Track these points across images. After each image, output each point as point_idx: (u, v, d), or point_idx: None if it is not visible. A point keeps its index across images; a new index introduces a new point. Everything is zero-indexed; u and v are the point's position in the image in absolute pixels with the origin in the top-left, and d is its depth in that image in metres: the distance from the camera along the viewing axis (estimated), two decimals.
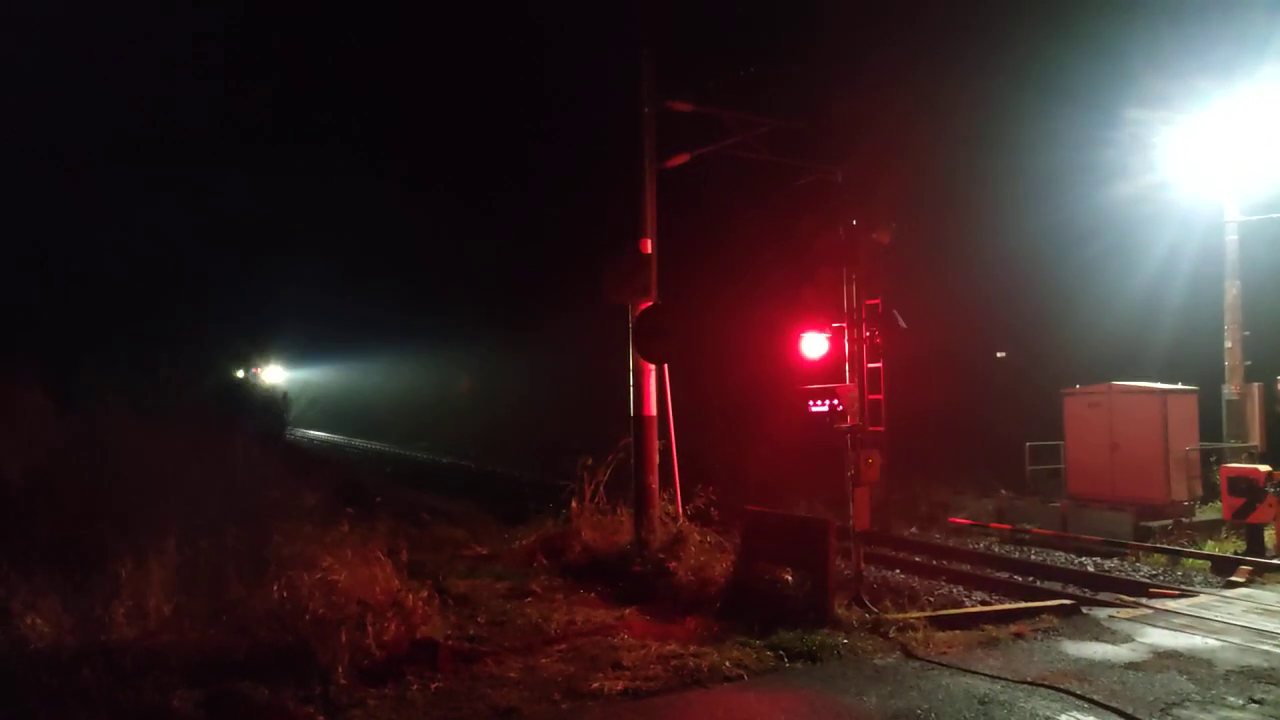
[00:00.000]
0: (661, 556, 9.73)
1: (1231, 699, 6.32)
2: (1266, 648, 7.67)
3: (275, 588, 7.12)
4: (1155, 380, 16.79)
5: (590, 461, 11.95)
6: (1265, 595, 9.94)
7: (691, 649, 7.14)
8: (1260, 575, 11.02)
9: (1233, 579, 10.98)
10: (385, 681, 6.32)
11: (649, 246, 10.82)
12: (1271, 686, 6.59)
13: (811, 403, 11.20)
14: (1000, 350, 33.76)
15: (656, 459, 10.85)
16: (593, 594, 9.25)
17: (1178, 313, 21.25)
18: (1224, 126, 15.40)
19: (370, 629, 6.58)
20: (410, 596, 7.27)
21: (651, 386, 10.80)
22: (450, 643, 7.18)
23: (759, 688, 6.50)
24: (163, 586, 7.00)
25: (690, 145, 12.33)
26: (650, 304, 10.52)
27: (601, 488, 11.83)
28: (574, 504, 11.39)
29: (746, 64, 12.39)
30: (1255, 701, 6.27)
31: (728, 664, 6.79)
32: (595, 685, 6.33)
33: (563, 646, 7.33)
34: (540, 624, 8.01)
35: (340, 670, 6.23)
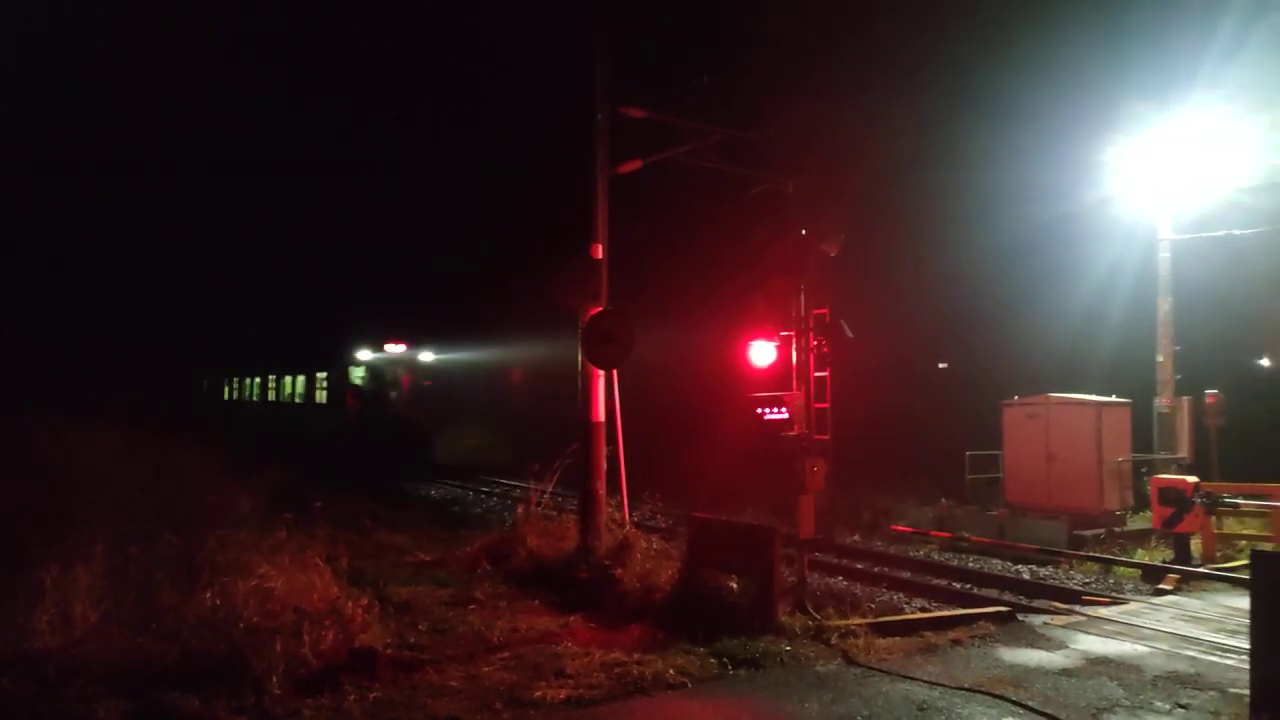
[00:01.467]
0: (607, 563, 9.70)
1: (1159, 704, 6.51)
2: (1192, 654, 7.91)
3: (209, 595, 6.94)
4: (1093, 392, 17.26)
5: (538, 467, 11.89)
6: (1192, 603, 10.26)
7: (636, 656, 7.12)
8: (1187, 583, 11.38)
9: (1161, 587, 11.31)
10: (322, 691, 6.18)
11: (600, 252, 10.80)
12: (1197, 692, 6.80)
13: (759, 410, 11.29)
14: (943, 361, 34.50)
15: (604, 465, 10.83)
16: (537, 601, 9.18)
17: (1118, 327, 21.94)
18: (1159, 149, 15.98)
19: (306, 637, 6.43)
20: (349, 604, 7.12)
21: (600, 392, 10.78)
22: (390, 651, 7.06)
23: (702, 695, 6.50)
24: (90, 593, 6.77)
25: (644, 152, 12.36)
26: (600, 309, 10.50)
27: (548, 494, 11.77)
28: (520, 510, 11.31)
29: (701, 74, 12.45)
30: (1181, 707, 6.46)
31: (671, 671, 6.79)
32: (538, 694, 6.27)
33: (505, 654, 7.26)
34: (483, 631, 7.92)
35: (275, 680, 6.07)
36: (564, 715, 6.04)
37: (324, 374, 30.39)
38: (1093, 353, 23.80)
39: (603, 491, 10.65)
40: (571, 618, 8.54)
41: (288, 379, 34.29)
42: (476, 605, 9.01)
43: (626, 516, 10.71)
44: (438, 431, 26.28)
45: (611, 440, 10.96)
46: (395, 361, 27.68)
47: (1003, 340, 27.98)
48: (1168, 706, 6.46)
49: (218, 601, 6.79)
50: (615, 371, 10.82)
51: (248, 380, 39.72)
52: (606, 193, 10.94)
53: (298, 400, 32.88)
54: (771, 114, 13.69)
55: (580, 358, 10.59)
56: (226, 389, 42.79)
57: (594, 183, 10.72)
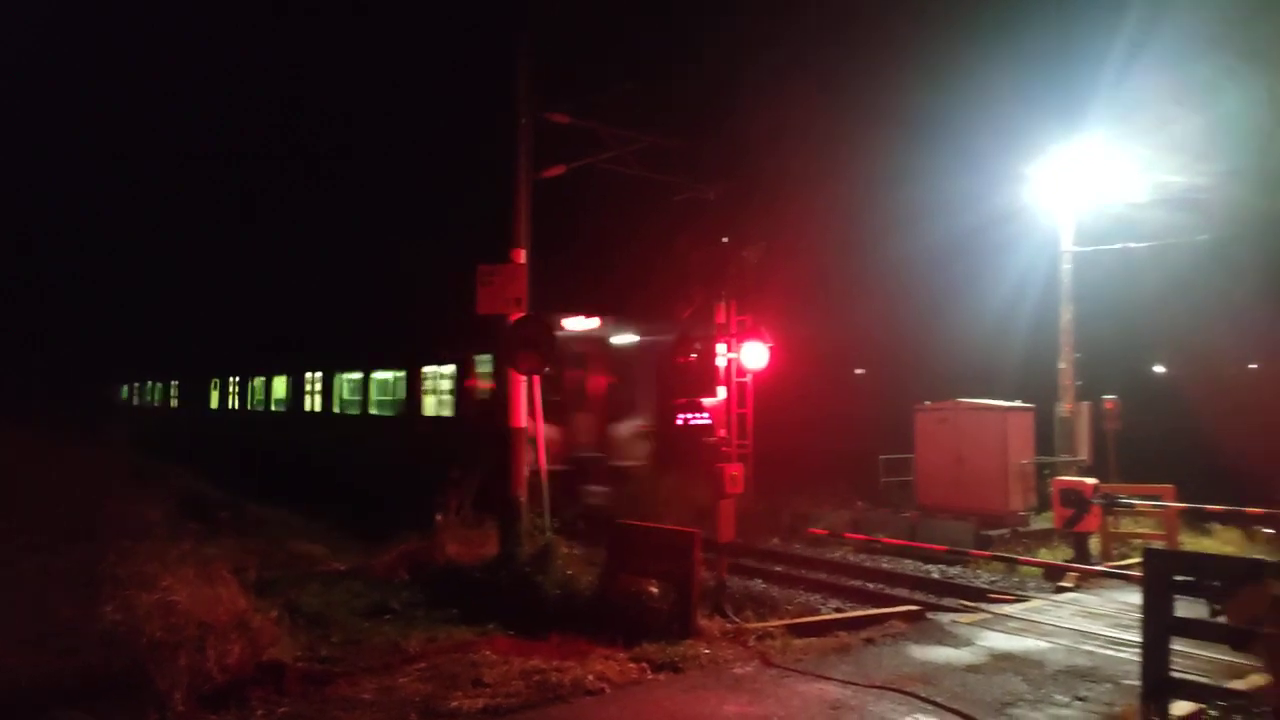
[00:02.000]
0: (528, 570, 9.63)
1: (1059, 697, 6.79)
2: (1090, 648, 8.27)
3: (109, 609, 6.66)
4: (1005, 397, 17.90)
5: (459, 473, 11.74)
6: (1090, 599, 10.73)
7: (555, 663, 7.09)
8: (1086, 580, 11.88)
9: (1062, 584, 11.79)
10: (227, 706, 5.98)
11: (523, 257, 10.75)
12: (1094, 684, 7.11)
13: (681, 415, 11.38)
14: (861, 367, 35.36)
15: (525, 471, 10.77)
16: (456, 610, 9.04)
17: (1027, 334, 22.85)
18: (1062, 165, 16.78)
19: (211, 652, 6.22)
20: (257, 617, 6.92)
21: (522, 398, 10.72)
22: (300, 664, 6.87)
23: (621, 701, 6.51)
24: None
25: (569, 158, 12.37)
26: (522, 315, 10.44)
27: (469, 501, 11.62)
28: (439, 517, 11.14)
29: (625, 81, 12.53)
30: (1079, 699, 6.75)
31: (590, 678, 6.77)
32: (454, 704, 6.19)
33: (422, 665, 7.14)
34: (399, 642, 7.77)
35: (178, 696, 5.86)
36: None
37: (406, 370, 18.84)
38: (1005, 359, 24.74)
39: (524, 498, 10.59)
40: (491, 626, 8.45)
41: (279, 380, 25.27)
42: (393, 615, 8.84)
43: (548, 522, 10.66)
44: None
45: (534, 445, 10.91)
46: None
47: (919, 347, 28.88)
48: (1067, 699, 6.74)
49: (119, 616, 6.52)
50: (537, 378, 10.78)
51: (199, 383, 32.17)
52: (530, 198, 10.90)
53: (315, 409, 23.01)
54: (695, 123, 13.86)
55: (502, 364, 10.52)
56: (161, 393, 38.55)
57: (516, 187, 10.67)
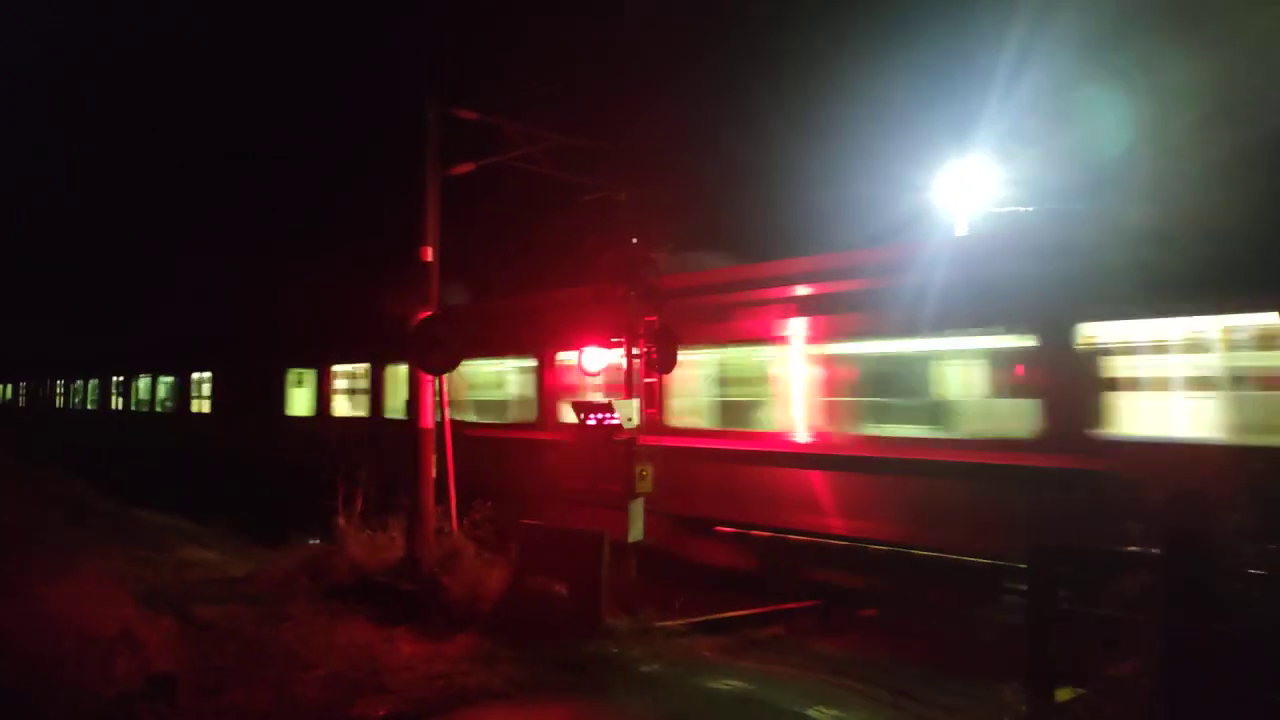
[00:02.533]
0: (435, 573, 9.47)
1: (952, 684, 7.05)
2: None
3: None
4: None
5: (364, 474, 11.46)
6: None
7: (461, 667, 7.01)
8: None
9: None
10: None
11: (431, 255, 10.56)
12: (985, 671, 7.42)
13: (589, 416, 11.37)
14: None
15: (432, 472, 10.58)
16: (359, 615, 8.81)
17: None
18: (957, 174, 17.68)
19: (96, 665, 5.91)
20: (146, 627, 6.61)
21: (430, 398, 10.53)
22: (193, 675, 6.60)
23: (528, 702, 6.48)
24: None
25: (479, 155, 12.21)
26: (429, 314, 10.27)
27: (373, 503, 11.36)
28: (341, 521, 10.85)
29: (533, 80, 12.46)
30: (971, 685, 7.03)
31: (498, 680, 6.72)
32: (357, 711, 6.05)
33: (322, 672, 6.94)
34: (298, 649, 7.53)
35: (58, 713, 5.54)
36: None
37: None
38: None
39: (430, 500, 10.41)
40: (396, 630, 8.27)
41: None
42: (292, 622, 8.55)
43: (455, 525, 10.50)
44: None
45: (441, 447, 10.74)
46: None
47: None
48: (959, 685, 7.01)
49: None
50: (444, 377, 10.61)
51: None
52: (438, 195, 10.72)
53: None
54: (605, 125, 13.89)
55: (409, 363, 10.32)
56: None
57: (424, 184, 10.48)
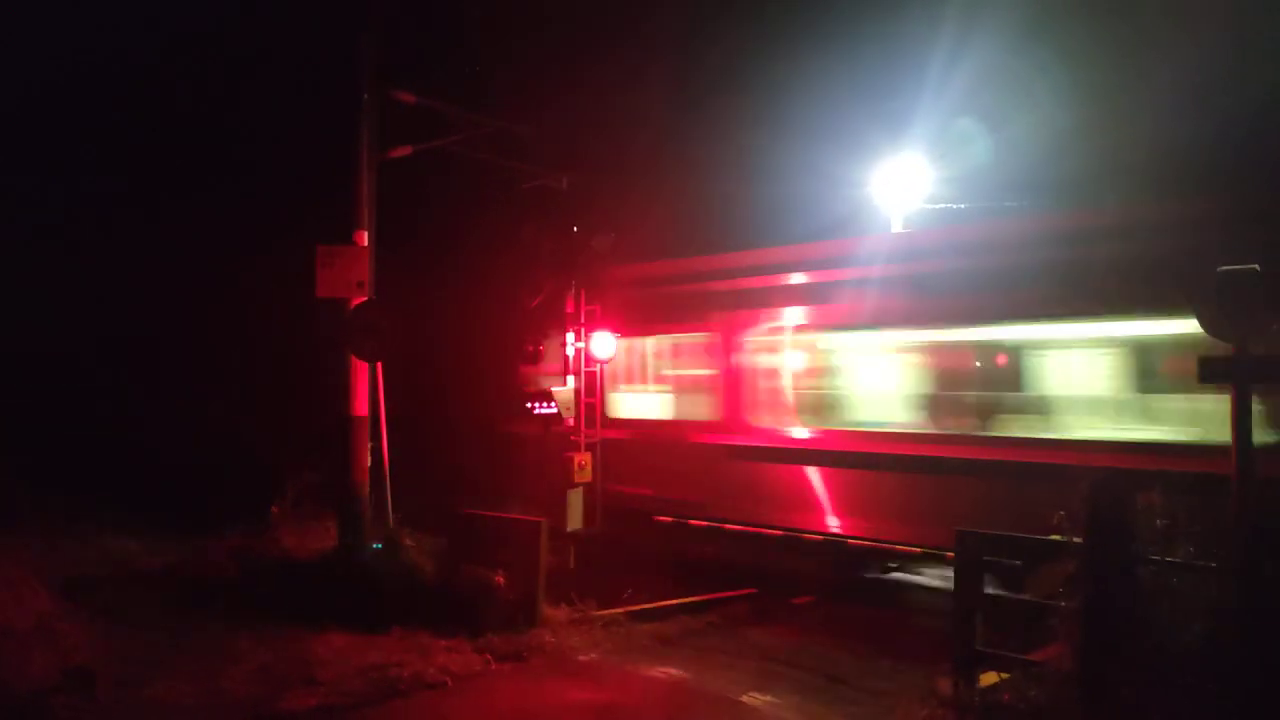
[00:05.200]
0: (369, 562, 9.33)
1: (883, 669, 7.20)
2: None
3: None
4: None
5: (294, 462, 11.22)
6: (916, 577, 11.45)
7: (395, 658, 6.92)
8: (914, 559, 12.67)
9: (889, 563, 12.52)
10: (27, 718, 5.49)
11: (365, 239, 10.35)
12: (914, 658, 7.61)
13: (529, 405, 11.33)
14: None
15: (367, 461, 10.39)
16: (289, 606, 8.59)
17: None
18: (892, 171, 18.12)
19: (10, 659, 5.68)
20: (64, 619, 6.38)
21: (364, 386, 10.34)
22: (113, 669, 6.39)
23: (464, 693, 6.43)
24: None
25: (418, 139, 11.99)
26: (365, 300, 10.07)
27: (307, 492, 11.13)
28: (275, 509, 10.61)
29: (474, 64, 12.29)
30: (900, 671, 7.19)
31: (432, 671, 6.66)
32: (285, 704, 5.93)
33: (250, 665, 6.79)
34: (225, 642, 7.34)
35: None
36: None
37: None
38: None
39: (365, 488, 10.23)
40: (327, 622, 8.08)
41: None
42: (219, 614, 8.34)
43: (390, 514, 10.35)
44: None
45: (377, 435, 10.56)
46: None
47: None
48: (889, 671, 7.18)
49: None
50: (380, 364, 10.43)
51: None
52: (374, 178, 10.50)
53: None
54: (547, 110, 13.77)
55: (343, 350, 10.11)
56: None
57: (359, 167, 10.24)
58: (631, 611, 8.85)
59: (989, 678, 5.97)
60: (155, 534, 12.82)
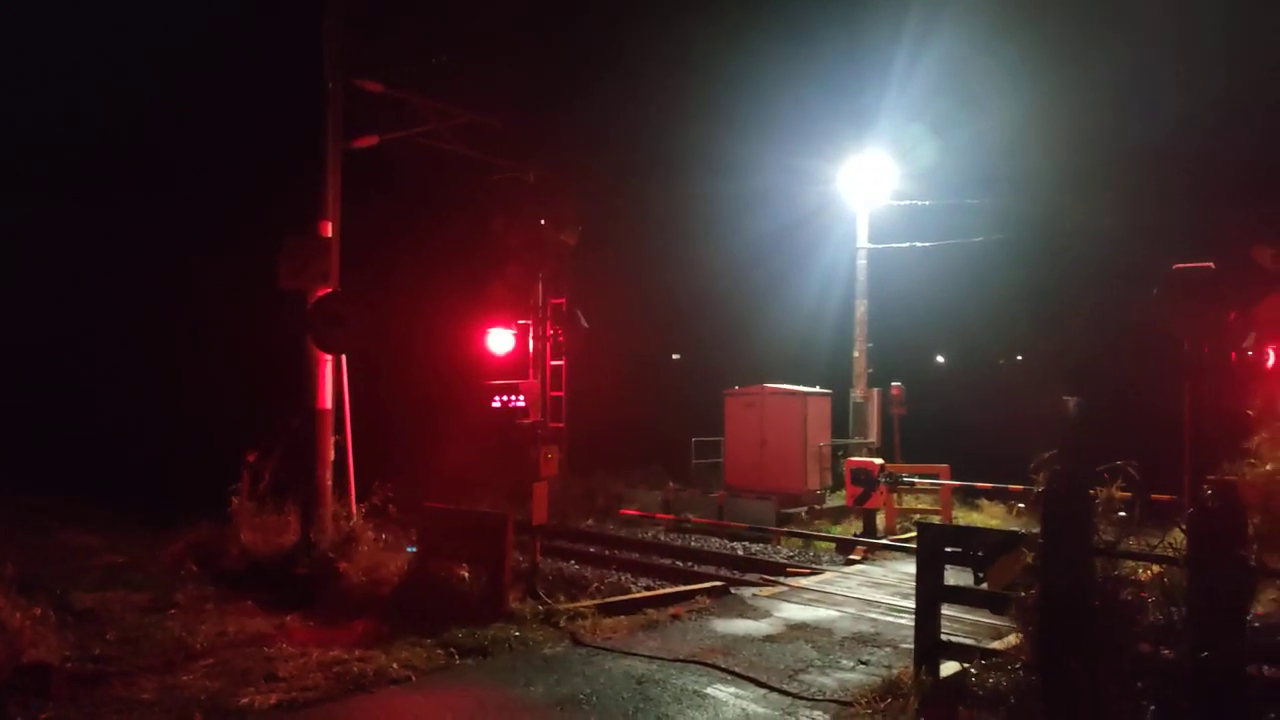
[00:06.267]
0: (331, 557, 9.24)
1: (845, 662, 7.30)
2: (874, 616, 8.96)
3: None
4: (814, 384, 18.97)
5: (255, 456, 11.07)
6: (876, 570, 11.61)
7: (357, 653, 6.86)
8: (873, 553, 12.85)
9: (852, 557, 12.69)
10: None
11: (330, 230, 10.23)
12: (875, 649, 7.71)
13: (495, 398, 11.27)
14: (677, 353, 36.37)
15: (330, 454, 10.30)
16: (250, 601, 8.53)
17: (835, 324, 24.38)
18: (858, 169, 18.19)
19: None
20: (17, 615, 6.24)
21: (328, 378, 10.23)
22: (69, 665, 6.28)
23: (427, 688, 6.39)
24: None
25: (384, 129, 11.86)
26: (329, 291, 9.95)
27: (267, 486, 11.00)
28: (234, 503, 10.47)
29: (441, 54, 12.15)
30: (863, 663, 7.29)
31: (395, 666, 6.61)
32: (245, 701, 5.85)
33: (209, 661, 6.70)
34: (184, 638, 7.24)
35: None
36: None
37: None
38: (815, 347, 26.29)
39: (328, 482, 10.14)
40: (289, 617, 8.05)
41: None
42: (178, 609, 8.22)
43: (354, 508, 10.26)
44: None
45: (341, 428, 10.46)
46: None
47: (738, 335, 30.09)
48: (851, 664, 7.26)
49: None
50: (344, 357, 10.33)
51: None
52: (339, 168, 10.38)
53: None
54: (516, 105, 13.68)
55: (307, 342, 9.99)
56: None
57: (324, 156, 10.13)
58: (597, 605, 8.87)
59: (952, 667, 6.06)
60: (116, 528, 12.63)
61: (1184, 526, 4.55)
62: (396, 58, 11.56)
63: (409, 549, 9.33)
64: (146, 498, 13.83)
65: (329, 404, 10.22)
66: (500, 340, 12.12)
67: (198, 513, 10.92)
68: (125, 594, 8.75)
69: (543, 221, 11.62)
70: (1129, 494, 5.25)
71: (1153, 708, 4.47)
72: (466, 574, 8.38)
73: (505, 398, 11.23)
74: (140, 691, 6.03)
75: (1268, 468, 7.56)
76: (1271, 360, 9.68)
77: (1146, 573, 4.96)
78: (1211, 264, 6.26)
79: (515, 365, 12.45)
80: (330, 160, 10.23)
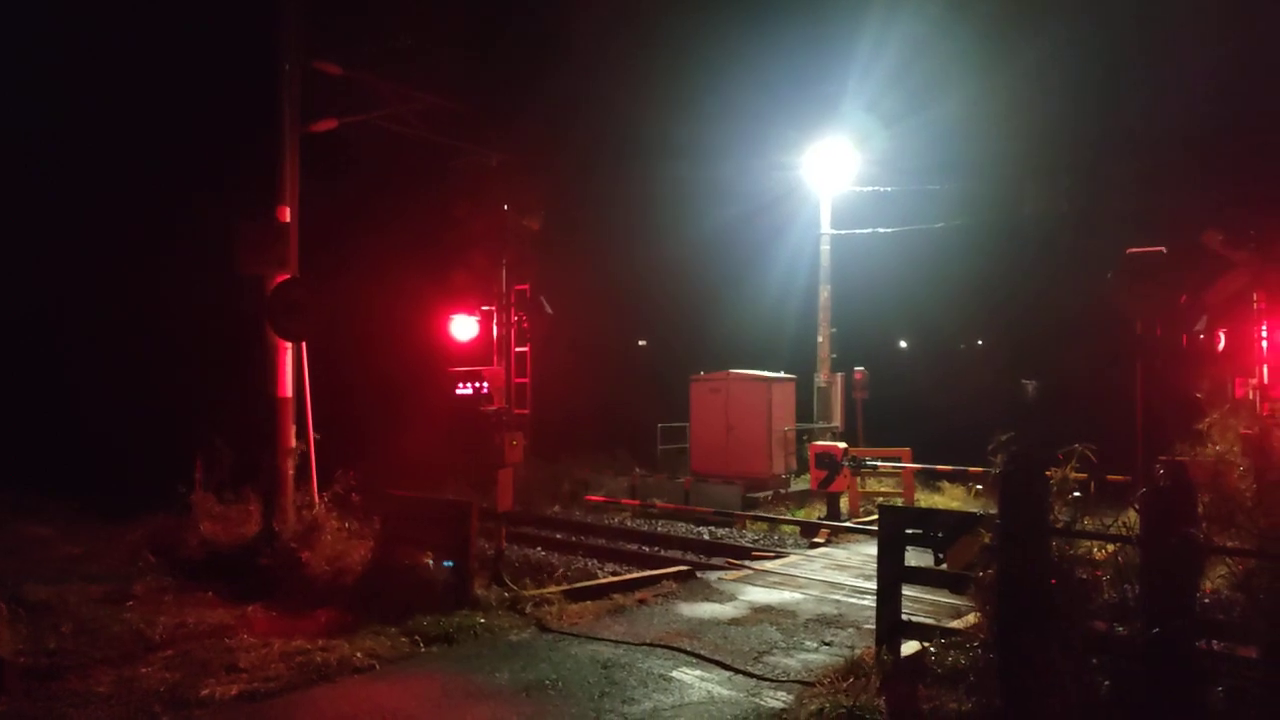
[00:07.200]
0: (294, 547, 9.13)
1: (809, 643, 7.38)
2: (837, 598, 9.06)
3: None
4: (779, 369, 19.07)
5: (216, 444, 10.90)
6: (839, 553, 11.75)
7: (320, 643, 6.80)
8: (837, 536, 13.00)
9: (816, 540, 12.83)
10: None
11: (287, 215, 10.06)
12: (839, 630, 7.80)
13: (459, 385, 11.19)
14: (643, 339, 36.39)
15: (291, 443, 10.16)
16: (210, 592, 8.41)
17: (799, 310, 24.55)
18: (820, 155, 18.30)
19: None
20: None
21: (287, 366, 10.08)
22: (22, 659, 6.15)
23: (391, 676, 6.36)
24: None
25: (344, 112, 11.66)
26: (287, 277, 9.79)
27: (229, 474, 10.84)
28: (192, 494, 10.30)
29: (402, 36, 11.97)
30: (826, 644, 7.38)
31: (359, 655, 6.56)
32: (205, 692, 5.77)
33: (169, 652, 6.60)
34: (142, 630, 7.12)
35: None
36: (235, 712, 5.62)
37: None
38: (781, 332, 26.45)
39: (289, 471, 10.01)
40: (250, 608, 7.95)
41: None
42: (136, 601, 8.08)
43: (316, 497, 10.14)
44: None
45: (302, 417, 10.32)
46: None
47: (704, 320, 30.17)
48: (815, 645, 7.35)
49: None
50: (305, 344, 10.18)
51: None
52: (296, 152, 10.19)
53: None
54: (479, 89, 13.53)
55: (265, 329, 9.83)
56: None
57: (280, 140, 9.93)
58: (563, 591, 8.88)
59: (913, 647, 6.15)
60: (72, 519, 12.37)
61: (1137, 506, 4.65)
62: (357, 39, 11.37)
63: (373, 537, 9.25)
64: (104, 489, 13.56)
65: (289, 392, 10.07)
66: (464, 327, 12.02)
67: (157, 504, 10.73)
68: (82, 586, 8.58)
69: (506, 206, 11.53)
70: (1084, 475, 5.37)
71: (1107, 683, 4.57)
72: (431, 562, 8.33)
73: (470, 384, 11.15)
74: (97, 685, 5.92)
75: (1217, 448, 7.76)
76: (1222, 343, 9.92)
77: (1101, 552, 5.05)
78: (1164, 248, 6.41)
79: (479, 352, 12.38)
80: (288, 144, 10.04)
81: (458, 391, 10.59)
